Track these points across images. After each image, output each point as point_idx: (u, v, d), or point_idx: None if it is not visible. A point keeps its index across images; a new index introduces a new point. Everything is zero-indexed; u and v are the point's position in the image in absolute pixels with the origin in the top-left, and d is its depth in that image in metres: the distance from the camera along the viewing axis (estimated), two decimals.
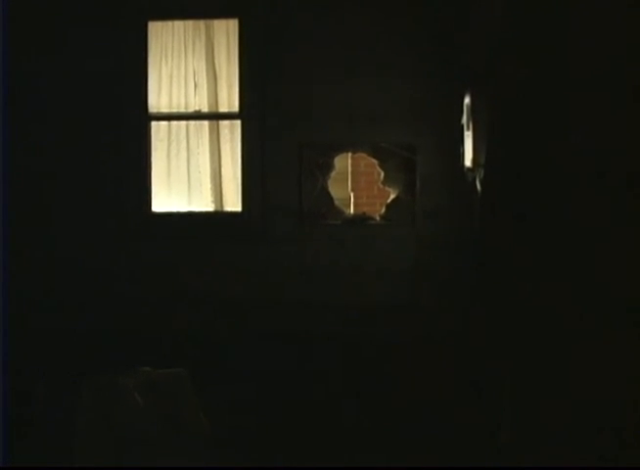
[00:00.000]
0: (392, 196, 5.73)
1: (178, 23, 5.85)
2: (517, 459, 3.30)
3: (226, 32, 5.82)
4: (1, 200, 4.68)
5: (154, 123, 5.87)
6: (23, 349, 5.22)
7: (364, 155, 5.99)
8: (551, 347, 2.89)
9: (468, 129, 4.79)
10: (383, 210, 5.83)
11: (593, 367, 2.39)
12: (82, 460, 3.94)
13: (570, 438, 2.59)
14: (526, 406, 3.24)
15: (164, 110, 5.88)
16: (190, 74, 5.89)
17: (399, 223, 5.64)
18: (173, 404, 4.14)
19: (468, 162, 4.77)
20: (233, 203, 5.89)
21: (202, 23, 5.85)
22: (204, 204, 5.95)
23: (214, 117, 5.90)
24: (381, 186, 5.91)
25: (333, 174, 5.81)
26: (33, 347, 5.42)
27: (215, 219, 5.89)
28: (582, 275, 2.55)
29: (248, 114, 5.70)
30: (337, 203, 5.86)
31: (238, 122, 5.78)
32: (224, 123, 5.91)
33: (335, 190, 5.90)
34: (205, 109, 5.89)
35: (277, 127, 5.65)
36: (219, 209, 5.94)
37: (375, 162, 5.81)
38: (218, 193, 5.95)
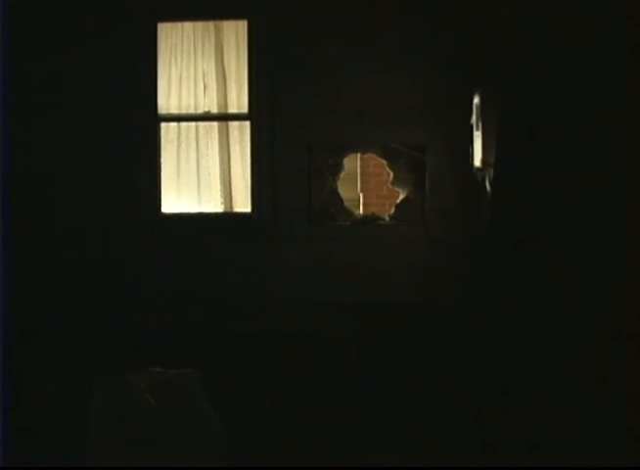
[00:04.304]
0: (402, 196, 5.74)
1: (188, 25, 5.87)
2: (527, 458, 3.30)
3: (235, 33, 5.83)
4: (7, 200, 4.70)
5: (163, 124, 5.88)
6: (28, 349, 5.24)
7: (373, 155, 6.00)
8: (560, 345, 2.89)
9: (477, 129, 4.79)
10: (392, 210, 5.83)
11: (597, 364, 2.40)
12: (93, 460, 3.95)
13: (575, 434, 2.60)
14: (537, 404, 3.25)
15: (174, 111, 5.90)
16: (199, 76, 5.91)
17: (409, 223, 5.64)
18: (184, 405, 4.15)
19: (477, 161, 4.77)
20: (242, 203, 5.90)
21: (211, 25, 5.86)
22: (213, 205, 5.96)
23: (224, 118, 5.91)
24: (390, 186, 5.92)
25: (342, 175, 5.82)
26: (40, 347, 5.44)
27: (225, 220, 5.90)
28: (592, 275, 2.55)
29: (257, 114, 5.71)
30: (346, 203, 5.87)
31: (247, 123, 5.79)
32: (233, 124, 5.92)
33: (344, 190, 5.90)
34: (214, 110, 5.90)
35: (286, 128, 5.66)
36: (229, 209, 5.95)
37: (384, 162, 5.81)
38: (228, 194, 5.96)
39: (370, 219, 5.86)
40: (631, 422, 2.09)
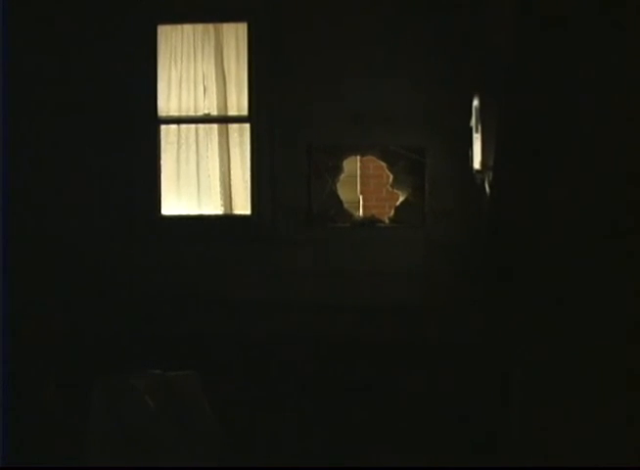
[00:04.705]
0: (401, 198, 5.74)
1: (188, 27, 5.87)
2: (527, 458, 3.31)
3: (235, 36, 5.84)
4: (7, 201, 4.71)
5: (163, 127, 5.88)
6: (28, 349, 5.24)
7: (373, 157, 6.00)
8: (559, 347, 2.90)
9: (477, 132, 4.79)
10: (392, 212, 5.83)
11: (599, 366, 2.40)
12: (92, 461, 3.95)
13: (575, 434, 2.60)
14: (536, 406, 3.25)
15: (174, 113, 5.90)
16: (199, 78, 5.91)
17: (408, 226, 5.65)
18: (183, 407, 4.16)
19: (477, 164, 4.78)
20: (242, 206, 5.91)
21: (211, 27, 5.87)
22: (213, 207, 5.97)
23: (224, 120, 5.91)
24: (390, 189, 5.92)
25: (342, 177, 5.82)
26: (40, 347, 5.44)
27: (225, 222, 5.90)
28: (591, 277, 2.56)
29: (257, 117, 5.72)
30: (346, 205, 5.87)
31: (247, 126, 5.80)
32: (233, 127, 5.93)
33: (344, 193, 5.90)
34: (214, 112, 5.91)
35: (286, 130, 5.66)
36: (229, 212, 5.95)
37: (384, 164, 5.81)
38: (228, 196, 5.96)
39: (370, 222, 5.87)
40: (631, 422, 2.10)
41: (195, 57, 5.91)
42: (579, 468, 2.44)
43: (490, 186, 4.33)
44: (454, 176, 5.48)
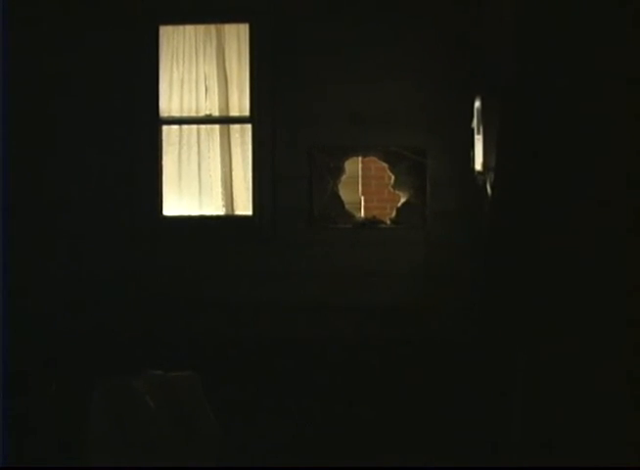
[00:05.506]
0: (403, 199, 5.74)
1: (189, 28, 5.88)
2: (527, 458, 3.31)
3: (237, 37, 5.84)
4: (8, 201, 4.71)
5: (165, 127, 5.88)
6: (28, 349, 5.25)
7: (375, 158, 6.00)
8: (561, 347, 2.90)
9: (478, 133, 4.79)
10: (393, 213, 5.83)
11: (600, 367, 2.40)
12: (92, 462, 3.95)
13: (575, 437, 2.60)
14: (536, 406, 3.25)
15: (176, 114, 5.90)
16: (201, 79, 5.92)
17: (410, 227, 5.64)
18: (184, 407, 4.16)
19: (478, 165, 4.78)
20: (244, 207, 5.91)
21: (213, 28, 5.87)
22: (214, 208, 5.97)
23: (225, 121, 5.92)
24: (391, 190, 5.91)
25: (343, 178, 5.82)
26: (40, 347, 5.44)
27: (226, 223, 5.90)
28: (592, 278, 2.56)
29: (258, 117, 5.72)
30: (347, 206, 5.87)
31: (249, 126, 5.80)
32: (235, 127, 5.93)
33: (345, 194, 5.90)
34: (215, 113, 5.91)
35: (288, 131, 5.66)
36: (230, 212, 5.96)
37: (385, 165, 5.81)
38: (229, 197, 5.97)
39: (371, 223, 5.86)
40: (632, 423, 2.10)
41: (196, 58, 5.91)
42: (579, 468, 2.44)
43: (492, 187, 4.33)
44: (455, 177, 5.48)
